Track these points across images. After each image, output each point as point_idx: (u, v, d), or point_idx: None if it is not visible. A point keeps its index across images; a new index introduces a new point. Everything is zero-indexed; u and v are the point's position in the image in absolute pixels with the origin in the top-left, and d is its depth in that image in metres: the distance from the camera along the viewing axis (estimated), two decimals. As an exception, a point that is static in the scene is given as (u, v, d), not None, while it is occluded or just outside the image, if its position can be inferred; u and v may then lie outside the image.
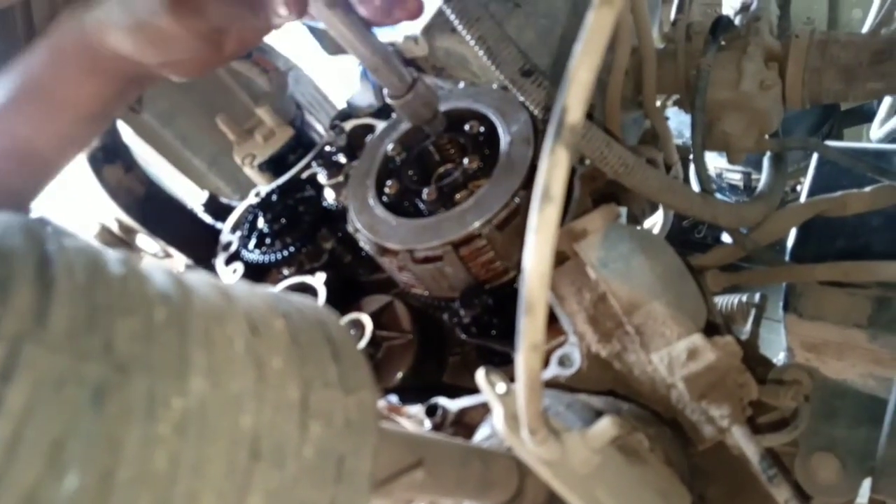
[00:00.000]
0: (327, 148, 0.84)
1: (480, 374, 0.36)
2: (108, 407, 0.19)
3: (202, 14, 0.50)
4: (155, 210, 0.87)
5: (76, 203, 0.85)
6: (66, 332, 0.19)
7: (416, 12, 0.54)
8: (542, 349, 0.29)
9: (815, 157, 0.87)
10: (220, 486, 0.22)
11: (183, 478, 0.21)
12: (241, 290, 0.26)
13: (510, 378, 0.35)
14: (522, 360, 0.29)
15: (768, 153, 0.85)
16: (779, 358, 0.96)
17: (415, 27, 0.76)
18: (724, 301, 0.89)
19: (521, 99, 0.60)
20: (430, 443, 0.36)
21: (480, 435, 0.50)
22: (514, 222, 0.63)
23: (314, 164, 0.84)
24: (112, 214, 0.85)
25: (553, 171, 0.26)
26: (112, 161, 0.82)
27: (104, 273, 0.21)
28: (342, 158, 0.81)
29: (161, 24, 0.49)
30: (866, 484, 0.60)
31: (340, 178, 0.77)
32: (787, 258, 0.82)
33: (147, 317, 0.22)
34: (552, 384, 0.57)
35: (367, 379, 0.28)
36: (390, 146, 0.72)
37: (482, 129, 0.69)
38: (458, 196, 0.66)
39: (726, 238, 0.79)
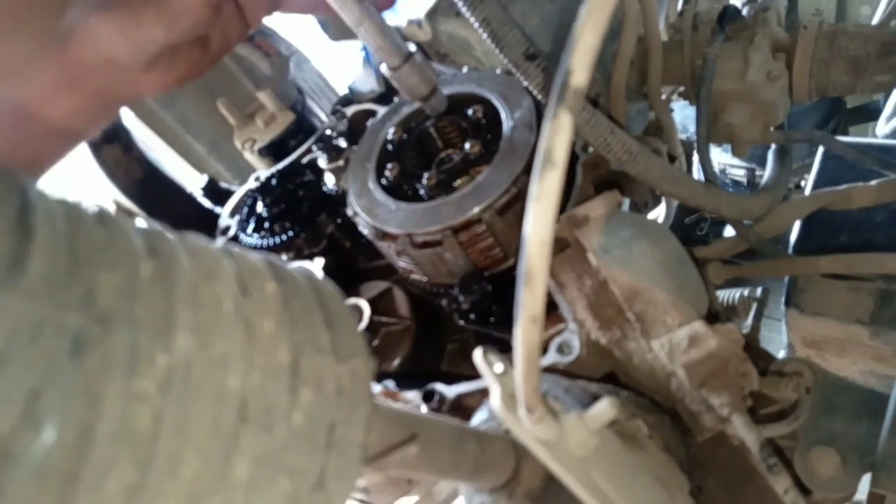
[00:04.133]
0: (328, 132, 0.83)
1: (478, 354, 0.36)
2: (88, 359, 0.19)
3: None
4: (153, 193, 0.86)
5: (73, 184, 0.85)
6: (44, 280, 0.18)
7: None
8: (542, 322, 0.28)
9: (820, 150, 0.87)
10: (204, 447, 0.21)
11: (166, 437, 0.20)
12: (232, 251, 0.26)
13: (509, 363, 0.35)
14: (521, 332, 0.29)
15: (773, 146, 0.84)
16: (779, 356, 0.95)
17: (419, 11, 0.75)
18: (725, 295, 0.88)
19: (525, 83, 0.59)
20: (426, 420, 0.36)
21: (477, 419, 0.50)
22: (514, 208, 0.62)
23: (314, 148, 0.83)
24: (110, 196, 0.84)
25: (556, 135, 0.25)
26: (111, 141, 0.81)
27: (87, 224, 0.21)
28: (343, 143, 0.80)
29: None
30: (866, 479, 0.59)
31: (340, 163, 0.76)
32: (790, 251, 0.81)
33: (132, 270, 0.21)
34: (551, 371, 0.56)
35: (360, 347, 0.27)
36: (391, 130, 0.71)
37: (485, 113, 0.68)
38: (458, 181, 0.65)
39: (729, 234, 0.78)
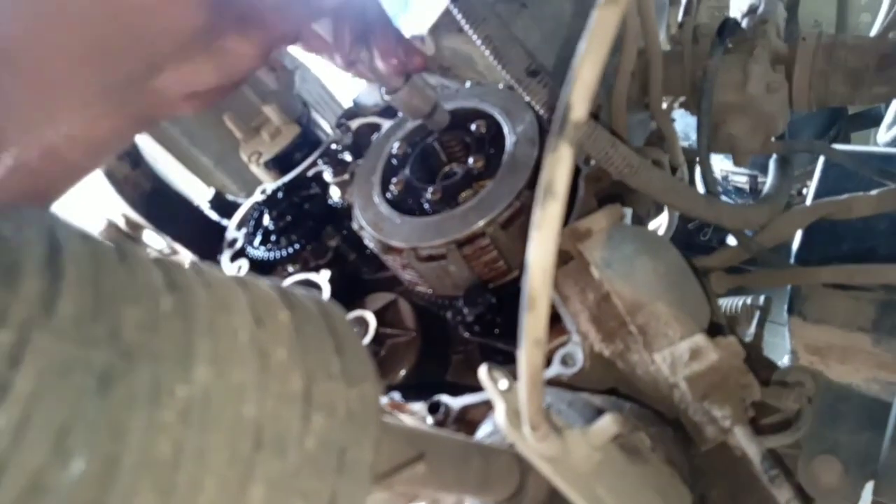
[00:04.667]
0: (333, 146, 0.84)
1: (483, 371, 0.37)
2: (113, 393, 0.20)
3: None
4: (161, 206, 0.88)
5: (82, 198, 0.86)
6: (73, 320, 0.19)
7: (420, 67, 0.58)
8: (545, 345, 0.29)
9: (821, 160, 0.87)
10: (222, 473, 0.22)
11: (186, 465, 0.21)
12: (246, 282, 0.27)
13: (513, 376, 0.35)
14: (524, 355, 0.29)
15: (774, 156, 0.85)
16: (782, 362, 0.96)
17: (421, 27, 0.76)
18: (728, 303, 0.89)
19: (527, 99, 0.60)
20: (432, 437, 0.37)
21: (482, 432, 0.51)
22: (517, 222, 0.63)
23: (320, 162, 0.85)
24: (119, 210, 0.86)
25: (556, 167, 0.26)
26: (120, 158, 0.82)
27: (110, 262, 0.22)
28: (348, 157, 0.81)
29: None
30: (868, 487, 0.60)
31: (346, 176, 0.77)
32: (791, 261, 0.81)
33: (153, 305, 0.22)
34: (554, 383, 0.57)
35: (369, 372, 0.28)
36: (396, 144, 0.72)
37: (488, 128, 0.69)
38: (462, 195, 0.66)
39: (731, 241, 0.79)
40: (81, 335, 0.19)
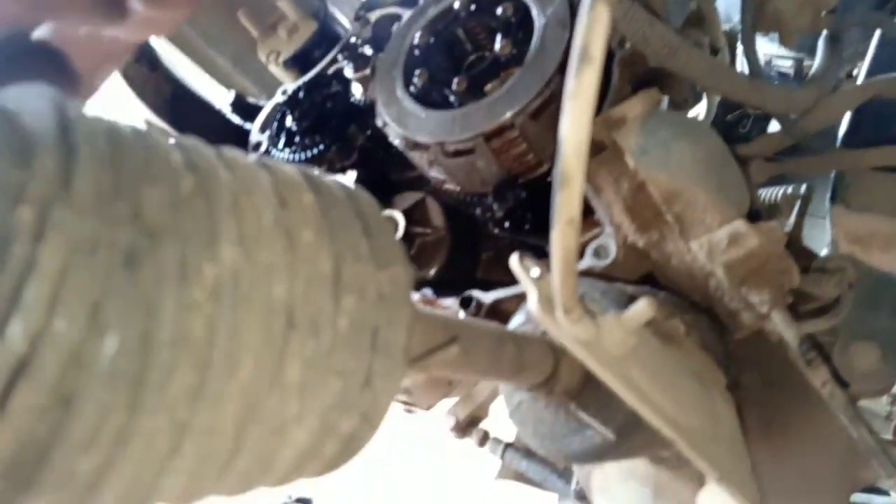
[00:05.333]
0: (353, 40, 0.80)
1: (514, 259, 0.36)
2: (141, 272, 0.19)
3: None
4: (184, 111, 0.86)
5: (104, 107, 0.85)
6: (93, 197, 0.19)
7: None
8: (579, 224, 0.28)
9: (876, 35, 0.81)
10: (258, 351, 0.22)
11: (221, 342, 0.21)
12: (268, 164, 0.26)
13: (545, 268, 0.35)
14: (558, 235, 0.29)
15: (824, 33, 0.78)
16: (822, 254, 0.94)
17: None
18: (768, 193, 0.86)
19: (558, -25, 0.56)
20: (465, 324, 0.37)
21: (515, 322, 0.51)
22: (548, 111, 0.60)
23: (340, 57, 0.81)
24: (141, 117, 0.85)
25: (592, 29, 0.24)
26: (137, 61, 0.80)
27: (126, 141, 0.21)
28: (368, 50, 0.78)
29: None
30: (906, 373, 0.60)
31: (367, 72, 0.74)
32: (837, 147, 0.77)
33: (173, 186, 0.21)
34: (587, 275, 0.56)
35: (399, 255, 0.28)
36: (417, 34, 0.69)
37: (515, 11, 0.65)
38: (489, 85, 0.63)
39: (773, 129, 0.75)
40: (103, 213, 0.19)
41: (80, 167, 0.19)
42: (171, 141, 0.24)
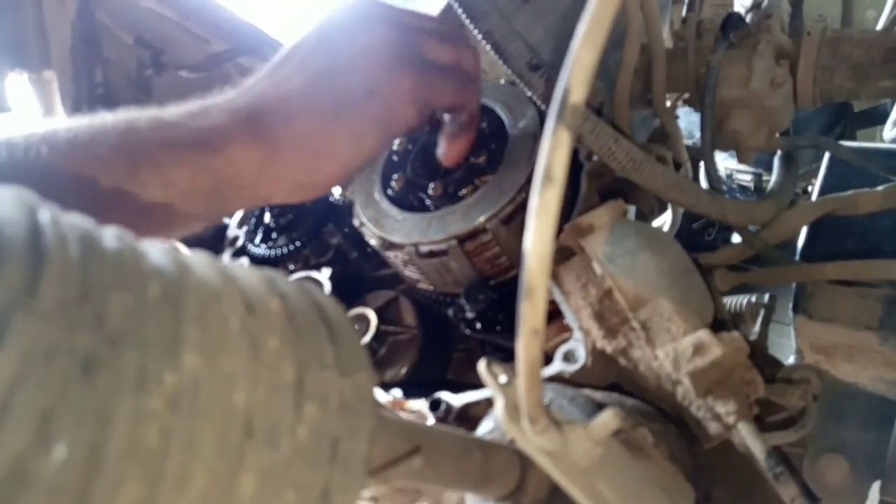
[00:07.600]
0: (334, 143, 0.83)
1: (482, 365, 0.36)
2: (98, 379, 0.19)
3: None
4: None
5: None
6: (57, 304, 0.19)
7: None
8: (543, 335, 0.29)
9: (826, 157, 0.86)
10: (212, 463, 0.21)
11: (174, 454, 0.20)
12: (237, 269, 0.26)
13: (514, 372, 0.35)
14: (522, 345, 0.29)
15: (779, 152, 0.84)
16: (788, 362, 0.95)
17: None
18: (732, 301, 0.88)
19: (529, 94, 0.60)
20: (430, 432, 0.36)
21: (483, 428, 0.50)
22: (519, 217, 0.62)
23: (321, 159, 0.84)
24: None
25: (555, 152, 0.26)
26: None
27: (98, 247, 0.21)
28: (349, 153, 0.80)
29: None
30: (875, 487, 0.59)
31: (347, 173, 0.77)
32: (797, 258, 0.81)
33: (141, 292, 0.21)
34: (556, 380, 0.56)
35: (364, 362, 0.28)
36: (396, 141, 0.72)
37: (489, 123, 0.68)
38: (463, 191, 0.66)
39: (736, 241, 0.78)
40: (65, 319, 0.19)
41: (47, 274, 0.19)
42: (145, 243, 0.24)
